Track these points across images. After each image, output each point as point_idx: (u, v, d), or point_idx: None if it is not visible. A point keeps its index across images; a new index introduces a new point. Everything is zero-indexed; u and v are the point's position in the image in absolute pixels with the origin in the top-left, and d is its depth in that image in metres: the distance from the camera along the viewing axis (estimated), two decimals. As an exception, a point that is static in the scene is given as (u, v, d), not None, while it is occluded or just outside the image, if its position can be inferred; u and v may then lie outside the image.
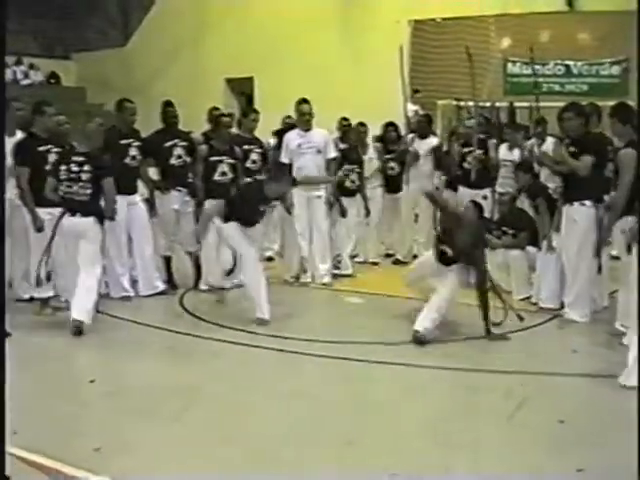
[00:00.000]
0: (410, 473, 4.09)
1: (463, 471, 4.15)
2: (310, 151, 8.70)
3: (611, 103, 7.42)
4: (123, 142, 8.03)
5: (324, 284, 8.77)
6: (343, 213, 9.33)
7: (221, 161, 8.31)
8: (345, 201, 9.36)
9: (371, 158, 10.07)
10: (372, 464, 4.22)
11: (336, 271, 9.24)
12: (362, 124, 10.17)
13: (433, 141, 10.36)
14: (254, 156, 8.80)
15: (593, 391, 5.43)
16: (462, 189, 9.67)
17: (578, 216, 6.99)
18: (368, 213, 9.83)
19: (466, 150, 9.66)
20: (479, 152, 9.52)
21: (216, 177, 8.28)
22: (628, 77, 15.03)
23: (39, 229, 7.17)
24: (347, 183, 9.42)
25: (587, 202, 6.98)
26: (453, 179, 9.95)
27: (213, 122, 8.82)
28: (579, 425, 4.76)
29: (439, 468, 4.17)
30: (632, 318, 5.40)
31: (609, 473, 4.08)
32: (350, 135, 9.91)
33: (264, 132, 9.74)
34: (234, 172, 8.38)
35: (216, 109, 9.51)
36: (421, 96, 15.11)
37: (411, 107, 13.84)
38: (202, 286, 8.49)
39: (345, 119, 10.43)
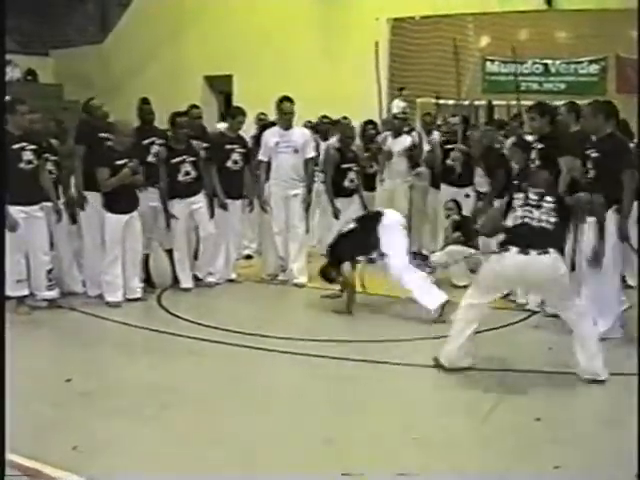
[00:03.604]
0: (387, 471, 4.09)
1: (440, 469, 4.15)
2: (288, 150, 8.64)
3: (589, 101, 7.46)
4: (100, 136, 7.95)
5: (295, 284, 8.70)
6: (336, 215, 8.82)
7: (183, 161, 8.31)
8: (344, 202, 8.90)
9: None
10: (350, 463, 4.21)
11: None
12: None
13: (407, 140, 10.35)
14: (235, 156, 8.73)
15: (570, 388, 5.45)
16: (444, 187, 9.64)
17: None
18: None
19: (448, 147, 9.63)
20: (464, 147, 9.39)
21: (180, 178, 8.29)
22: (606, 76, 15.12)
23: (12, 229, 7.06)
24: (346, 183, 8.86)
25: None
26: (436, 176, 9.92)
27: (171, 124, 8.67)
28: (556, 422, 4.78)
29: (416, 466, 4.17)
30: None
31: (585, 470, 4.10)
32: (346, 132, 9.36)
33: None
34: (197, 170, 8.38)
35: (195, 107, 9.46)
36: (407, 94, 15.11)
37: (400, 104, 13.91)
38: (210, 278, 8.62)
39: (325, 117, 10.39)
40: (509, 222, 5.49)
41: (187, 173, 8.32)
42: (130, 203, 7.78)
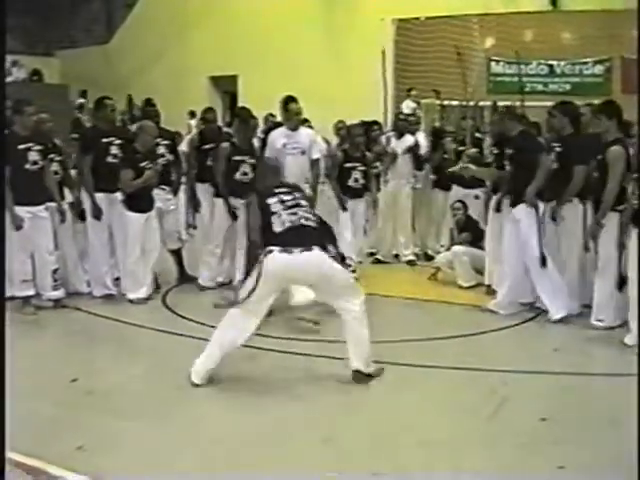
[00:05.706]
0: (390, 471, 4.10)
1: (444, 469, 4.16)
2: (295, 152, 8.53)
3: (594, 102, 7.47)
4: (104, 141, 7.95)
5: None
6: (343, 206, 8.82)
7: (243, 161, 8.24)
8: (351, 203, 8.91)
9: None
10: (352, 462, 4.23)
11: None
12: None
13: (410, 140, 10.34)
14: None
15: (574, 389, 5.45)
16: (455, 188, 9.65)
17: (565, 213, 7.14)
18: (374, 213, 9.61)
19: (460, 149, 9.61)
20: (474, 150, 9.43)
21: (237, 176, 8.22)
22: (611, 76, 15.14)
23: (18, 227, 7.10)
24: (350, 182, 8.89)
25: (575, 200, 7.09)
26: (447, 178, 9.89)
27: (240, 121, 8.65)
28: (560, 423, 4.78)
29: (420, 466, 4.18)
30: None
31: (590, 470, 4.10)
32: (354, 131, 9.26)
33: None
34: (254, 171, 8.32)
35: (210, 109, 9.45)
36: (416, 94, 15.10)
37: (410, 105, 13.90)
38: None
39: (341, 121, 10.28)
40: (276, 227, 5.35)
41: (245, 173, 8.26)
42: (149, 202, 7.87)
